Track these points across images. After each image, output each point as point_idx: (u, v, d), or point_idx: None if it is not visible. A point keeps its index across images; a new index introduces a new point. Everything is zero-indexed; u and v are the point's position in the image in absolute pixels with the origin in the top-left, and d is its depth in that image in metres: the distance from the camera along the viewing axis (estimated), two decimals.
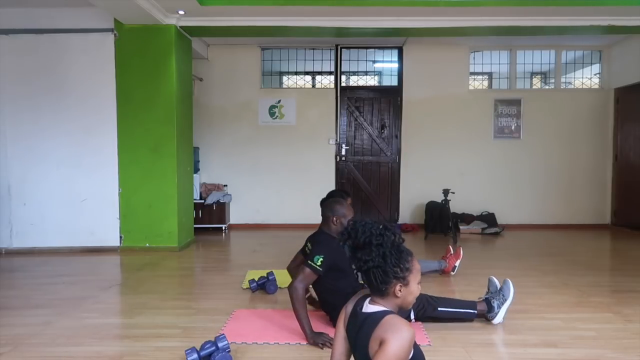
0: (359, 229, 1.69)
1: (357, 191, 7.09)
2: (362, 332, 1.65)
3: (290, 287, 2.80)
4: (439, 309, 3.01)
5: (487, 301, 3.07)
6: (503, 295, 3.07)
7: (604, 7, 4.93)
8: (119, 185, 5.38)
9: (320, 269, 2.77)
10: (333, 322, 2.98)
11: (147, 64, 5.32)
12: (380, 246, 1.65)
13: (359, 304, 1.74)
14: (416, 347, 1.71)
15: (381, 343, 1.56)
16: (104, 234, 5.41)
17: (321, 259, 2.76)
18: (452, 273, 4.27)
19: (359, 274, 1.71)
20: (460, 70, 7.03)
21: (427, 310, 3.00)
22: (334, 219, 2.97)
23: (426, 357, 2.54)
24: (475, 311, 3.03)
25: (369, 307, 1.69)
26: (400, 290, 1.66)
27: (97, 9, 4.99)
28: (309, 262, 2.79)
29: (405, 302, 1.70)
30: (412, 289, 1.68)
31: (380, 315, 1.64)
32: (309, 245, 3.10)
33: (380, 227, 1.68)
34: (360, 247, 1.67)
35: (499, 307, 3.02)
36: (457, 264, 4.27)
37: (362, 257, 1.66)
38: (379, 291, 1.68)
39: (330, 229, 2.99)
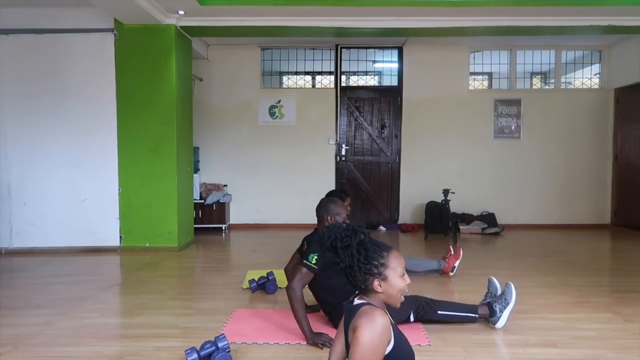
0: (325, 233, 1.82)
1: (357, 191, 7.09)
2: (346, 325, 1.73)
3: (288, 288, 2.82)
4: (439, 312, 3.00)
5: (489, 305, 3.03)
6: (505, 299, 3.01)
7: (604, 7, 4.93)
8: (119, 185, 5.39)
9: (315, 267, 2.81)
10: (332, 321, 2.99)
11: (147, 64, 5.32)
12: (347, 247, 1.75)
13: (352, 300, 1.80)
14: (400, 339, 1.74)
15: (354, 331, 1.63)
16: (104, 233, 5.42)
17: (315, 257, 2.82)
18: (451, 273, 4.25)
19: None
20: (460, 70, 7.03)
21: (427, 313, 2.99)
22: (328, 217, 3.01)
23: (426, 358, 2.56)
24: (477, 315, 3.01)
25: (355, 302, 1.76)
26: (380, 285, 1.72)
27: (97, 9, 4.99)
28: (304, 261, 2.85)
29: (390, 296, 1.73)
30: (393, 282, 1.72)
31: (359, 307, 1.71)
32: (305, 244, 3.12)
33: (347, 229, 1.78)
34: (330, 250, 1.79)
35: (501, 311, 2.98)
36: (456, 264, 4.25)
37: (334, 259, 1.78)
38: (360, 289, 1.76)
39: None
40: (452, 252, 4.36)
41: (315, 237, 3.01)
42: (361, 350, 1.59)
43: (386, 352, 1.66)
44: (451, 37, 6.23)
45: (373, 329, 1.60)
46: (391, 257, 1.73)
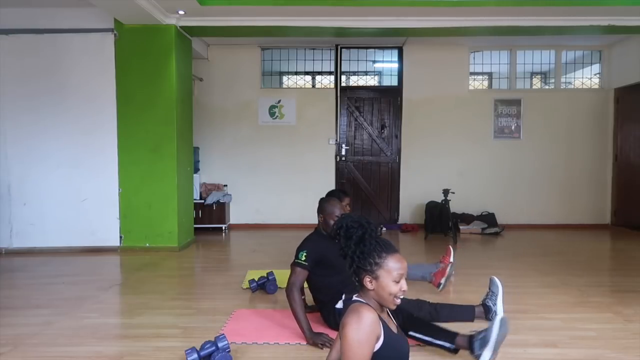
0: (337, 221, 1.91)
1: (357, 191, 7.09)
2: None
3: (286, 289, 2.85)
4: (410, 332, 2.67)
5: (469, 339, 2.55)
6: (492, 292, 2.71)
7: (604, 7, 4.93)
8: (119, 185, 5.38)
9: (306, 264, 2.84)
10: (324, 320, 2.99)
11: (147, 64, 5.32)
12: (349, 238, 1.79)
13: (350, 297, 1.83)
14: (392, 337, 1.75)
15: (342, 327, 1.66)
16: (104, 234, 5.41)
17: (304, 254, 2.85)
18: (438, 290, 3.84)
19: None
20: (460, 70, 7.03)
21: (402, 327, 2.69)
22: (321, 217, 3.04)
23: (426, 357, 2.56)
24: (452, 345, 2.59)
25: (353, 299, 1.79)
26: (370, 283, 1.74)
27: (97, 9, 4.99)
28: (295, 260, 2.88)
29: (381, 297, 1.74)
30: (384, 284, 1.72)
31: (351, 303, 1.75)
32: None
33: (355, 221, 1.82)
34: (335, 236, 1.88)
35: (481, 349, 2.48)
36: (442, 281, 3.84)
37: (340, 245, 1.84)
38: (355, 281, 1.80)
39: (321, 226, 3.05)
40: (452, 253, 4.33)
41: (308, 235, 3.06)
42: (348, 346, 1.61)
43: (376, 349, 1.67)
44: (451, 37, 6.23)
45: (359, 324, 1.62)
46: (390, 259, 1.73)
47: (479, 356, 2.47)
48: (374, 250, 1.74)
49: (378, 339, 1.67)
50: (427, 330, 2.67)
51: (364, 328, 1.62)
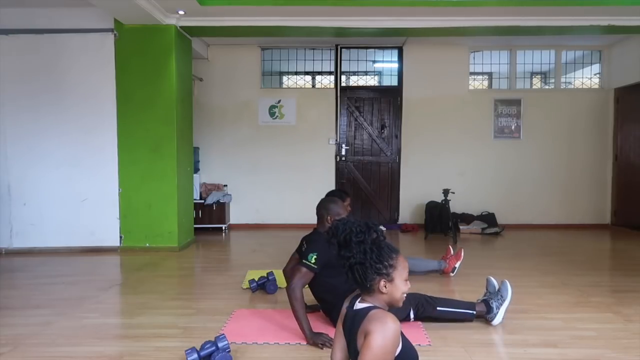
0: (339, 227, 1.75)
1: (357, 191, 7.09)
2: (352, 329, 1.72)
3: (288, 288, 2.83)
4: (438, 308, 3.03)
5: (486, 302, 3.08)
6: (501, 295, 3.06)
7: (604, 7, 4.93)
8: (119, 185, 5.38)
9: (315, 267, 2.82)
10: (332, 321, 2.99)
11: (147, 64, 5.32)
12: (361, 243, 1.70)
13: (352, 303, 1.80)
14: (406, 342, 1.75)
15: (366, 336, 1.62)
16: (104, 234, 5.41)
17: (315, 257, 2.82)
18: (452, 274, 4.26)
19: (346, 272, 1.76)
20: (460, 70, 7.03)
21: (426, 310, 3.01)
22: (328, 217, 3.01)
23: (426, 357, 2.56)
24: (474, 312, 3.04)
25: (358, 305, 1.75)
26: (385, 286, 1.71)
27: (97, 9, 4.99)
28: (303, 261, 2.85)
29: (393, 298, 1.73)
30: (398, 285, 1.72)
31: (367, 310, 1.70)
32: (304, 245, 3.11)
33: (362, 225, 1.74)
34: (342, 244, 1.73)
35: (498, 308, 3.02)
36: (457, 265, 4.26)
37: (344, 254, 1.72)
38: (365, 288, 1.73)
39: (325, 228, 3.01)
40: (452, 253, 4.37)
41: (314, 237, 3.03)
42: (373, 355, 1.59)
43: (395, 354, 1.67)
44: (451, 37, 6.23)
45: (385, 334, 1.60)
46: (400, 259, 1.74)
47: (495, 315, 3.01)
48: (386, 253, 1.72)
49: (397, 346, 1.68)
50: (450, 304, 3.08)
51: (390, 337, 1.61)
